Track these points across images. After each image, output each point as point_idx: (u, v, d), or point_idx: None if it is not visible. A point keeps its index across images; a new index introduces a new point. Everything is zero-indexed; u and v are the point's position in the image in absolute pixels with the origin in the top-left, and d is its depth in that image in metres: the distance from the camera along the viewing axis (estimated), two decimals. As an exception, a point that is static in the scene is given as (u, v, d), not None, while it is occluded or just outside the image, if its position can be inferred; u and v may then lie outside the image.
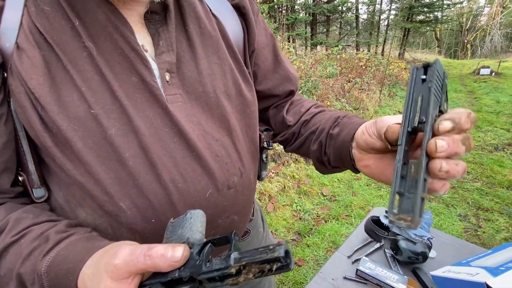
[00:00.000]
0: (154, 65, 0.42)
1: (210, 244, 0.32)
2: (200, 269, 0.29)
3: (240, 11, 0.53)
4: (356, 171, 0.48)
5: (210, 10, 0.50)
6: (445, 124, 0.28)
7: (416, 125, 0.30)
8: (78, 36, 0.38)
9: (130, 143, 0.40)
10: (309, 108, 0.62)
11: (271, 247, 0.27)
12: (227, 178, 0.47)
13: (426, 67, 0.31)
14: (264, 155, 0.63)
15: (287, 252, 0.27)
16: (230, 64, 0.49)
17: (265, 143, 0.62)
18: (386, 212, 1.17)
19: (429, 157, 0.29)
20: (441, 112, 0.32)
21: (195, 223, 0.34)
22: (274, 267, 0.28)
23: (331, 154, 0.51)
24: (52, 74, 0.38)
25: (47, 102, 0.37)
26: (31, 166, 0.42)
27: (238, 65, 0.51)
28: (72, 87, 0.38)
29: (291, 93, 0.64)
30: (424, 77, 0.31)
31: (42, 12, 0.38)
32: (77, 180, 0.40)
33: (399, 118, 0.35)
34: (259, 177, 0.65)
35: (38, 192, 0.44)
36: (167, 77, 0.43)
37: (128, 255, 0.30)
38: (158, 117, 0.41)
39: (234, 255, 0.29)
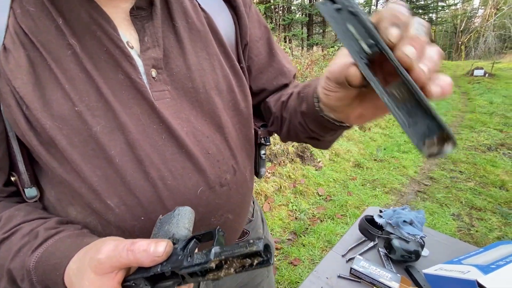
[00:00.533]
0: (139, 62, 0.41)
1: (194, 240, 0.32)
2: (181, 264, 0.29)
3: (231, 4, 0.52)
4: (348, 127, 0.45)
5: (199, 4, 0.49)
6: (391, 30, 0.25)
7: (370, 52, 0.26)
8: (62, 35, 0.38)
9: (117, 141, 0.40)
10: (290, 89, 0.58)
11: (251, 241, 0.27)
12: (219, 176, 0.46)
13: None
14: (262, 152, 0.61)
15: (266, 246, 0.27)
16: (220, 59, 0.48)
17: (262, 139, 0.61)
18: (380, 211, 1.18)
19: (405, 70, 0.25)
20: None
21: (182, 220, 0.34)
22: (255, 262, 0.28)
23: (315, 128, 0.48)
24: (37, 74, 0.38)
25: (30, 100, 0.37)
26: (21, 166, 0.42)
27: (228, 61, 0.50)
28: (56, 86, 0.38)
29: (285, 86, 0.61)
30: (338, 6, 0.28)
31: (27, 13, 0.38)
32: (63, 179, 0.40)
33: (345, 57, 0.31)
34: (258, 175, 0.63)
35: (30, 192, 0.44)
36: (153, 73, 0.42)
37: (112, 250, 0.30)
38: (145, 114, 0.41)
39: (215, 249, 0.29)
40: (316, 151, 3.56)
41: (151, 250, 0.29)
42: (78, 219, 0.44)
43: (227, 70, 0.49)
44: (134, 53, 0.42)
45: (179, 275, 0.30)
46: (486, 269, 0.70)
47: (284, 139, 0.60)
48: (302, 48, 10.38)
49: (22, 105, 0.37)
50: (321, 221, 2.51)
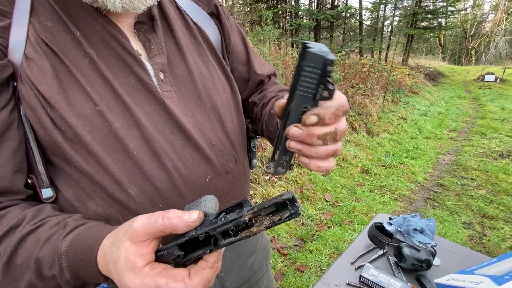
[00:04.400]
0: (148, 66, 0.47)
1: (223, 213, 0.34)
2: (216, 224, 0.31)
3: (215, 16, 0.61)
4: None
5: (191, 19, 0.57)
6: (311, 118, 0.34)
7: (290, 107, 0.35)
8: (79, 45, 0.44)
9: (133, 135, 0.44)
10: (273, 91, 0.65)
11: (278, 195, 0.30)
12: (223, 164, 0.52)
13: (303, 48, 0.31)
14: (252, 144, 0.67)
15: (294, 198, 0.30)
16: (213, 64, 0.56)
17: (252, 133, 0.67)
18: (390, 218, 1.17)
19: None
20: (325, 97, 0.34)
21: (209, 203, 0.36)
22: (285, 215, 0.31)
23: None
24: (59, 78, 0.42)
25: (57, 102, 0.41)
26: (40, 167, 0.45)
27: (220, 65, 0.58)
28: (78, 89, 0.43)
29: (261, 82, 0.69)
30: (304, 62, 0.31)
31: (46, 27, 0.43)
32: (86, 172, 0.44)
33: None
34: (250, 166, 0.68)
35: (47, 193, 0.46)
36: (161, 76, 0.48)
37: (147, 218, 0.32)
38: (156, 112, 0.46)
39: (246, 206, 0.32)
40: (323, 156, 3.54)
41: (186, 216, 0.32)
42: (98, 212, 0.46)
43: (220, 73, 0.57)
44: (143, 59, 0.47)
45: (211, 242, 0.32)
46: (500, 280, 0.68)
47: (260, 135, 0.68)
48: (309, 53, 10.37)
49: (46, 107, 0.41)
50: (328, 227, 2.48)
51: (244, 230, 0.31)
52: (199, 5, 0.59)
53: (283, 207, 0.31)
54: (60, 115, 0.41)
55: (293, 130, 0.35)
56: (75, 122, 0.41)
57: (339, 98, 0.35)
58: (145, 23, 0.49)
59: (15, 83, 0.42)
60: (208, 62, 0.55)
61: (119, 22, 0.47)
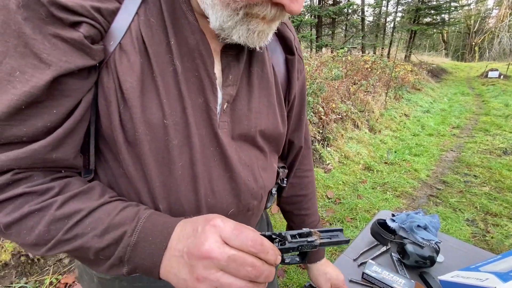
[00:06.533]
0: (219, 94, 0.47)
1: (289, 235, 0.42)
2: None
3: (287, 65, 0.59)
4: None
5: (270, 57, 0.55)
6: None
7: None
8: (170, 53, 0.43)
9: (183, 155, 0.44)
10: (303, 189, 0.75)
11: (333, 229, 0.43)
12: (248, 202, 0.52)
13: None
14: (273, 189, 0.66)
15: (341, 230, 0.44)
16: (275, 107, 0.55)
17: (279, 180, 0.67)
18: (393, 215, 1.16)
19: None
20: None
21: None
22: (341, 239, 0.43)
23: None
24: (143, 81, 0.41)
25: (134, 105, 0.40)
26: (92, 149, 0.46)
27: (281, 110, 0.57)
28: (155, 96, 0.42)
29: (300, 148, 0.71)
30: None
31: (149, 22, 0.42)
32: (130, 175, 0.44)
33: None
34: (265, 207, 0.68)
35: (87, 173, 0.47)
36: (225, 106, 0.48)
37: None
38: (207, 137, 0.46)
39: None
40: (325, 153, 3.53)
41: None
42: None
43: (278, 117, 0.56)
44: (218, 85, 0.47)
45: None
46: (505, 276, 0.68)
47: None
48: (311, 49, 10.34)
49: (121, 104, 0.41)
50: (330, 224, 2.48)
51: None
52: (281, 46, 0.58)
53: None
54: (131, 117, 0.41)
55: None
56: (142, 129, 0.41)
57: None
58: (233, 48, 0.48)
59: (97, 65, 0.41)
60: (272, 104, 0.54)
61: (211, 39, 0.46)
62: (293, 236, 0.40)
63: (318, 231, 0.42)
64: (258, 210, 0.58)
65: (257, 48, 0.45)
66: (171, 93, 0.43)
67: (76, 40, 0.36)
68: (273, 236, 0.39)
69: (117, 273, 0.39)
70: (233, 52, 0.48)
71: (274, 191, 0.65)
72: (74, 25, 0.36)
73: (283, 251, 0.39)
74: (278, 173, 0.65)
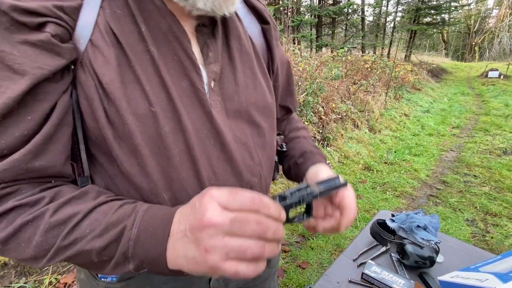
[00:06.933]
0: (203, 73, 0.46)
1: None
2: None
3: (265, 35, 0.59)
4: None
5: (246, 30, 0.55)
6: None
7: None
8: (143, 41, 0.42)
9: (178, 142, 0.43)
10: (291, 132, 0.73)
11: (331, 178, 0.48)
12: (249, 180, 0.51)
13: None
14: (276, 158, 0.66)
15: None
16: (259, 79, 0.55)
17: (279, 146, 0.68)
18: (392, 215, 1.15)
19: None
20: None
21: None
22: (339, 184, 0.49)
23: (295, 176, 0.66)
24: (121, 72, 0.41)
25: (118, 97, 0.40)
26: (83, 155, 0.44)
27: (266, 80, 0.57)
28: (137, 86, 0.41)
29: (289, 111, 0.72)
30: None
31: (115, 14, 0.41)
32: (127, 172, 0.43)
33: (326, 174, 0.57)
34: (273, 178, 0.68)
35: (83, 181, 0.46)
36: (212, 84, 0.47)
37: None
38: (200, 119, 0.45)
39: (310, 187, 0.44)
40: (325, 153, 3.53)
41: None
42: None
43: (265, 88, 0.55)
44: (200, 65, 0.46)
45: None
46: (505, 277, 0.67)
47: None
48: (311, 49, 10.34)
49: (104, 100, 0.40)
50: (330, 224, 2.48)
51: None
52: (254, 18, 0.58)
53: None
54: (117, 111, 0.40)
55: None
56: (130, 120, 0.40)
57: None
58: (206, 26, 0.48)
59: (72, 67, 0.41)
60: (256, 76, 0.54)
61: (183, 21, 0.45)
62: (292, 193, 0.41)
63: (316, 183, 0.45)
64: (261, 189, 0.56)
65: (227, 14, 0.44)
66: (153, 80, 0.42)
67: (44, 41, 0.36)
68: (273, 198, 0.39)
69: (124, 271, 0.38)
70: (207, 30, 0.48)
71: (276, 159, 0.65)
72: (40, 26, 0.36)
73: (286, 208, 0.39)
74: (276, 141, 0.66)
